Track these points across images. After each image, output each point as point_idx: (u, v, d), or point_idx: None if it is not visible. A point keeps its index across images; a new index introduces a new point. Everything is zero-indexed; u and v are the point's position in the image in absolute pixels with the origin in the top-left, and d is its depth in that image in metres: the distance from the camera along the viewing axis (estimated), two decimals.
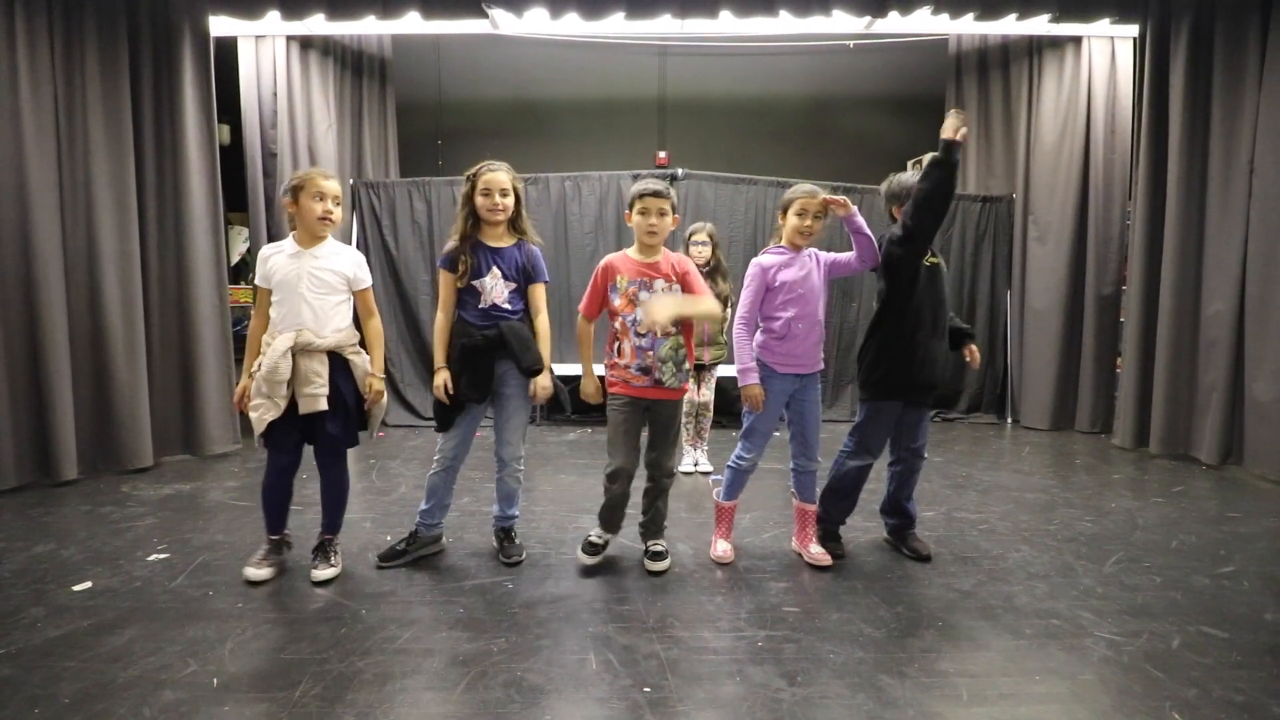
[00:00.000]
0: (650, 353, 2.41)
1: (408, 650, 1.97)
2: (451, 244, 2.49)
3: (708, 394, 3.80)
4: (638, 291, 2.41)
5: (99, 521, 3.00)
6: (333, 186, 2.36)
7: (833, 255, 2.58)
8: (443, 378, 2.45)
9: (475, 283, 2.45)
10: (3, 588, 2.36)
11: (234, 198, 4.65)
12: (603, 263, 2.49)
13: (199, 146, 3.98)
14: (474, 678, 1.84)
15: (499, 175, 2.43)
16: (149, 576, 2.45)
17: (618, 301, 2.43)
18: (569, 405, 2.71)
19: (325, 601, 2.27)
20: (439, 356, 2.49)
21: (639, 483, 2.57)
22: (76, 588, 2.36)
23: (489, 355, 2.44)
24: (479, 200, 2.43)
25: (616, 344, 2.47)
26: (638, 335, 2.40)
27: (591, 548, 2.57)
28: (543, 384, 2.49)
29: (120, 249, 3.69)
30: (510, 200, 2.45)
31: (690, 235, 3.68)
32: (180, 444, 4.01)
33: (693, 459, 3.87)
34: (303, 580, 2.41)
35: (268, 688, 1.79)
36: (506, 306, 2.47)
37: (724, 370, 3.69)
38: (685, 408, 3.87)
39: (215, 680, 1.82)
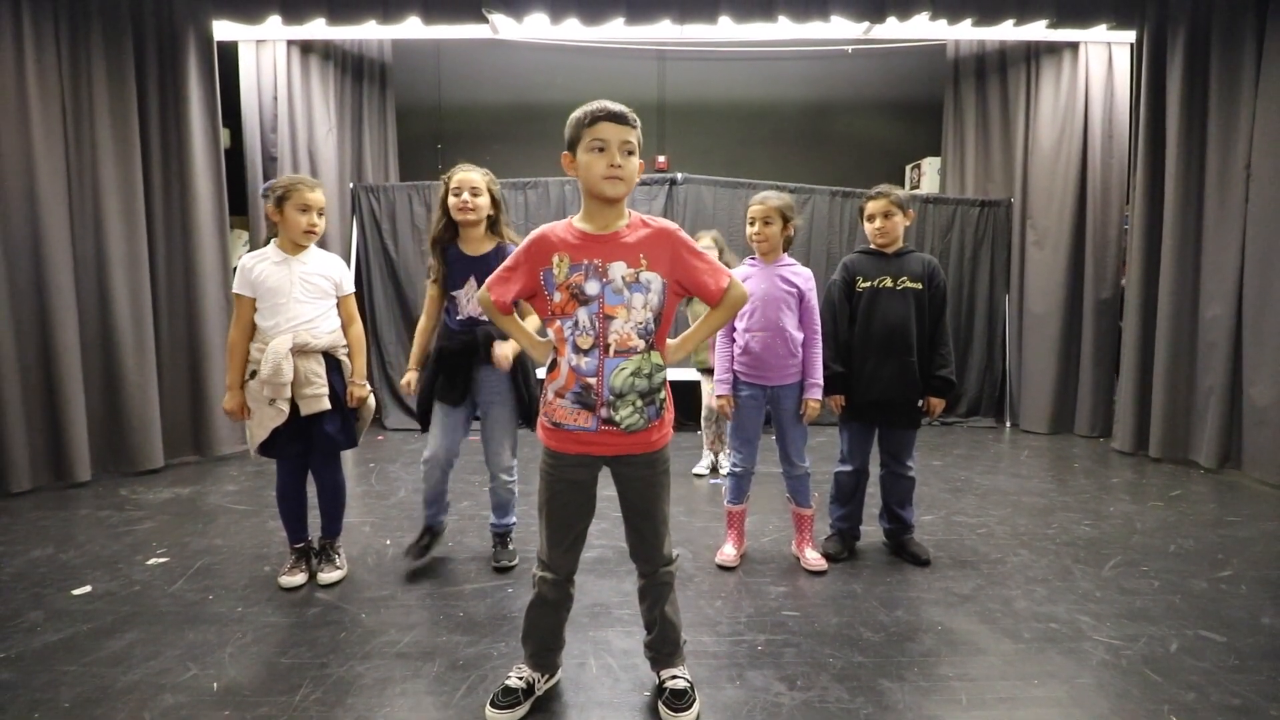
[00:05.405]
0: (593, 380, 1.57)
1: (408, 654, 1.98)
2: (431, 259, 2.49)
3: None
4: (583, 281, 1.56)
5: (98, 525, 3.00)
6: (318, 198, 2.33)
7: (812, 301, 2.54)
8: (408, 378, 2.52)
9: (455, 294, 2.45)
10: (2, 591, 2.36)
11: (234, 201, 4.64)
12: (534, 234, 1.63)
13: (204, 150, 4.00)
14: (474, 682, 1.84)
15: (470, 175, 2.40)
16: (148, 580, 2.46)
17: (557, 298, 1.58)
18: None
19: (325, 606, 2.27)
20: (413, 359, 2.54)
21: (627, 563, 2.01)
22: (76, 592, 2.36)
23: (466, 358, 2.43)
24: (450, 200, 2.41)
25: (550, 361, 1.67)
26: (578, 351, 1.57)
27: (507, 697, 1.68)
28: (501, 352, 2.35)
29: (128, 252, 3.72)
30: (482, 200, 2.41)
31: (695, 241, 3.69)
32: (190, 445, 4.04)
33: (708, 463, 3.89)
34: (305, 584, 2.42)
35: (268, 692, 1.79)
36: (485, 318, 2.39)
37: None
38: (703, 411, 3.88)
39: (215, 684, 1.83)
